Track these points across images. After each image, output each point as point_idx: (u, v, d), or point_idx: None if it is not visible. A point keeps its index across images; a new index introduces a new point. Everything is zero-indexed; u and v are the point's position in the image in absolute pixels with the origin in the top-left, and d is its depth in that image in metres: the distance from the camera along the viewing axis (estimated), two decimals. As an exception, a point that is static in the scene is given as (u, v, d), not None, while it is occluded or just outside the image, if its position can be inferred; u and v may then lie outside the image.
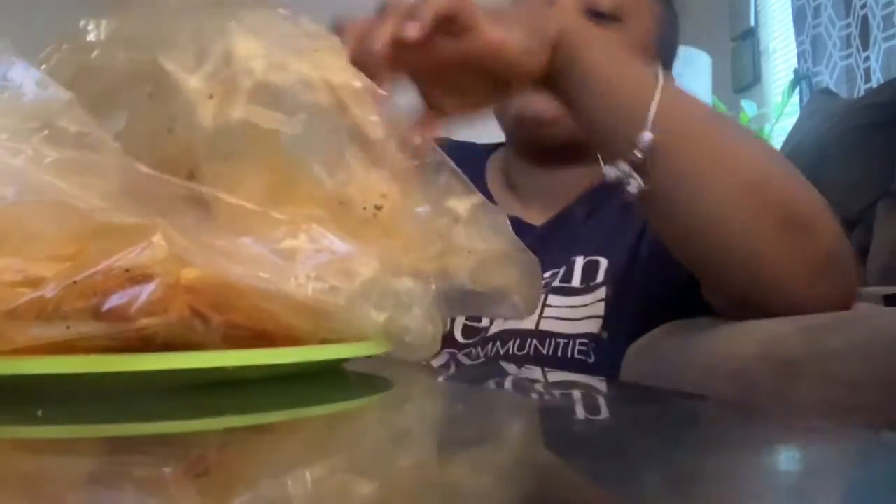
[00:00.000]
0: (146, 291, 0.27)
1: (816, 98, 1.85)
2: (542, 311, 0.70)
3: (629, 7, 0.79)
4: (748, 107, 2.32)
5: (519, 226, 0.57)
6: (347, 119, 0.34)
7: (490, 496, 0.20)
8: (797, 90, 2.18)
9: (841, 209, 1.59)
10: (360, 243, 0.32)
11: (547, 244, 0.54)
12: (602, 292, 0.70)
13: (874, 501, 0.19)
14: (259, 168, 0.33)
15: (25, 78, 0.31)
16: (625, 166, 0.50)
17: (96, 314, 0.27)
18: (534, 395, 0.45)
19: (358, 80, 0.35)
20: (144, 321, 0.27)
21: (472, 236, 0.38)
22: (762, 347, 0.44)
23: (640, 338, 0.60)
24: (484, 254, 0.38)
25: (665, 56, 0.84)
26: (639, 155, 0.49)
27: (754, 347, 0.44)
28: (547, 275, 0.73)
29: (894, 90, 1.49)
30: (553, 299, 0.71)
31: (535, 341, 0.69)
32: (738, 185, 0.50)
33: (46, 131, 0.29)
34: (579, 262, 0.72)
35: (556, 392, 0.45)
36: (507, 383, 0.48)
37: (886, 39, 1.84)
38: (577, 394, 0.44)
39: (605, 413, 0.38)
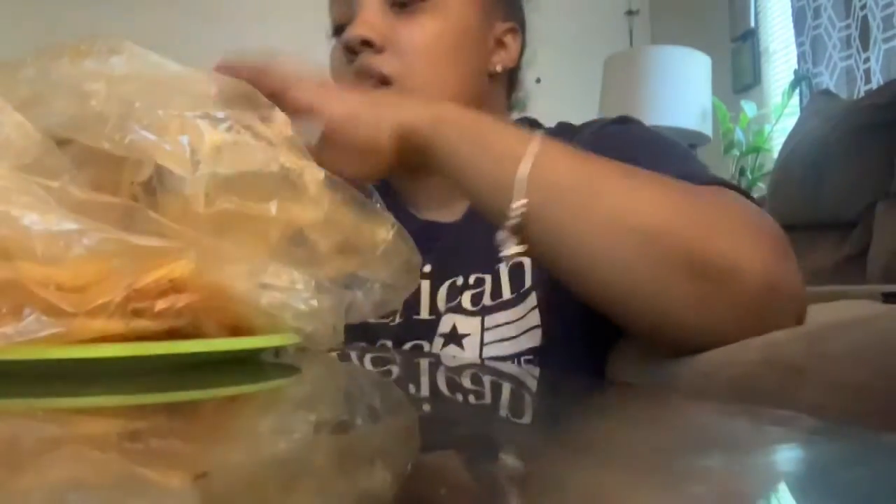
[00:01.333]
0: (183, 299, 0.36)
1: (816, 99, 1.85)
2: (482, 338, 0.67)
3: None
4: (748, 108, 2.32)
5: (436, 228, 0.54)
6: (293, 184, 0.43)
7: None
8: (797, 91, 2.19)
9: (840, 210, 1.60)
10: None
11: (467, 239, 0.53)
12: (533, 299, 0.66)
13: (875, 502, 0.19)
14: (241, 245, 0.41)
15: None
16: (502, 234, 0.49)
17: (148, 314, 0.35)
18: (485, 388, 0.45)
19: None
20: (181, 321, 0.36)
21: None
22: (763, 352, 0.43)
23: (625, 341, 0.59)
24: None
25: (496, 7, 0.77)
26: (514, 223, 0.48)
27: (755, 353, 0.44)
28: (472, 280, 0.69)
29: (894, 91, 1.49)
30: (490, 320, 0.67)
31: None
32: (630, 241, 0.47)
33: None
34: (504, 269, 0.68)
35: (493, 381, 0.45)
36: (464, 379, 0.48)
37: (886, 40, 1.84)
38: (501, 383, 0.44)
39: (600, 412, 0.38)
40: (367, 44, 0.71)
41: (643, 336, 0.54)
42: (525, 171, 0.48)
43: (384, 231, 0.48)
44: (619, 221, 0.48)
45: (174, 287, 0.35)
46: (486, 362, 0.65)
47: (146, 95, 0.39)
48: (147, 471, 0.22)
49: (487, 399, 0.42)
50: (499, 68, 0.78)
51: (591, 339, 0.61)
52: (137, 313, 0.34)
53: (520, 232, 0.49)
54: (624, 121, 0.73)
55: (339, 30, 0.76)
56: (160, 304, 0.35)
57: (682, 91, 2.29)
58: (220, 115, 0.41)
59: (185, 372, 0.39)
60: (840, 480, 0.22)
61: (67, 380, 0.36)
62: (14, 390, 0.35)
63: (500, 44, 0.78)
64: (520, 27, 0.81)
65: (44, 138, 0.37)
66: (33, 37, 2.70)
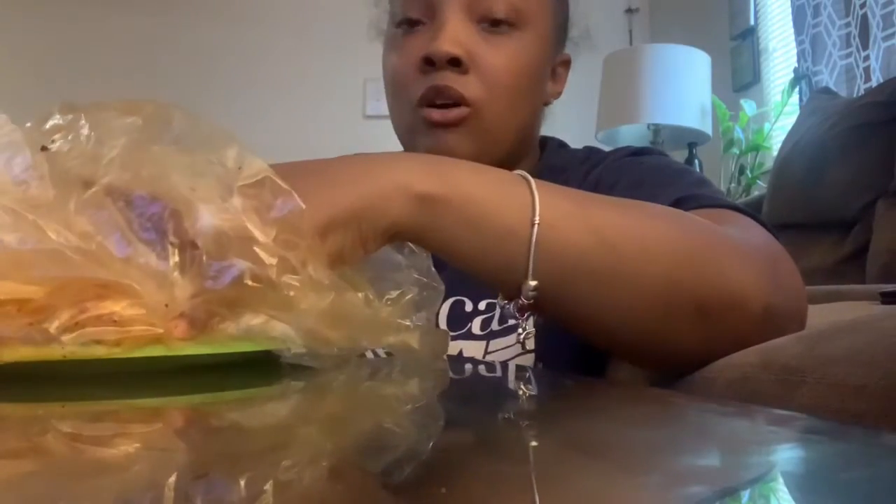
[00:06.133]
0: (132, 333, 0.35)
1: (816, 97, 1.85)
2: (483, 359, 0.67)
3: (527, 12, 0.70)
4: (748, 106, 2.32)
5: None
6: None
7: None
8: (797, 89, 2.19)
9: (840, 208, 1.60)
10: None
11: None
12: (530, 325, 0.65)
13: (874, 502, 0.19)
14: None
15: (22, 167, 0.36)
16: (513, 311, 0.47)
17: (86, 344, 0.34)
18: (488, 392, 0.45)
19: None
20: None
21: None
22: (762, 355, 0.43)
23: None
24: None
25: (559, 38, 0.77)
26: (527, 301, 0.45)
27: (754, 356, 0.44)
28: (482, 306, 0.69)
29: (894, 89, 1.49)
30: (493, 344, 0.67)
31: None
32: (643, 294, 0.46)
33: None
34: None
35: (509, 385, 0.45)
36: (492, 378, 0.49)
37: (886, 39, 1.84)
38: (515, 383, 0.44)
39: (600, 412, 0.38)
40: (453, 62, 0.67)
41: (647, 368, 0.54)
42: (532, 251, 0.44)
43: (407, 339, 0.45)
44: (630, 279, 0.46)
45: (119, 321, 0.35)
46: (487, 363, 0.65)
47: (158, 167, 0.38)
48: (145, 471, 0.22)
49: (487, 399, 0.42)
50: (552, 99, 0.78)
51: (582, 365, 0.62)
52: (73, 340, 0.34)
53: (530, 307, 0.46)
54: (643, 151, 0.74)
55: (408, 23, 0.71)
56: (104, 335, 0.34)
57: (681, 89, 2.29)
58: (229, 204, 0.38)
59: (187, 373, 0.39)
60: (839, 480, 0.22)
61: (57, 382, 0.36)
62: (14, 392, 0.35)
63: (553, 74, 0.78)
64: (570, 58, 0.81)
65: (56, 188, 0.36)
66: (35, 36, 2.70)
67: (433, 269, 0.49)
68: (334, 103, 2.88)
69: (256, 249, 0.37)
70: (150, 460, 0.24)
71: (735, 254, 0.48)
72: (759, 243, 0.51)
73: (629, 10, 3.13)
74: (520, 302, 0.46)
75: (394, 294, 0.46)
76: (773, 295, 0.47)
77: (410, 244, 0.48)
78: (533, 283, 0.44)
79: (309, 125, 2.78)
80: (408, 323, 0.45)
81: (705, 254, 0.47)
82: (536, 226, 0.44)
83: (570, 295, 0.46)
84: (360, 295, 0.42)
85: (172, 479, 0.21)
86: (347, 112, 2.88)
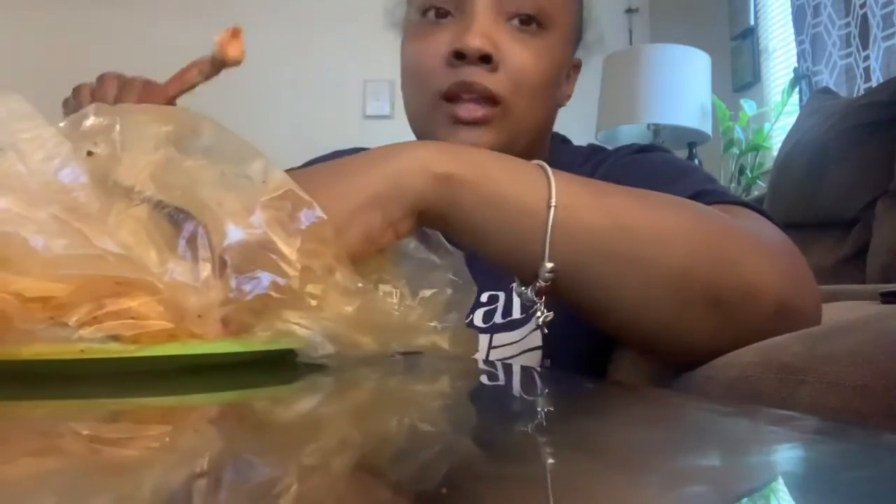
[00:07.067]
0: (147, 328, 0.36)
1: (816, 97, 1.85)
2: (487, 356, 0.67)
3: (554, 13, 0.70)
4: (748, 106, 2.32)
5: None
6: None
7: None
8: (797, 89, 2.18)
9: (840, 208, 1.60)
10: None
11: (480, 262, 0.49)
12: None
13: (875, 502, 0.19)
14: None
15: (71, 177, 0.37)
16: (530, 295, 0.47)
17: (104, 339, 0.35)
18: (499, 392, 0.45)
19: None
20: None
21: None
22: (762, 354, 0.43)
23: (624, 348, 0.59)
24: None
25: (575, 42, 0.78)
26: (544, 283, 0.46)
27: (754, 355, 0.44)
28: (484, 298, 0.69)
29: (894, 89, 1.49)
30: (497, 339, 0.67)
31: None
32: (659, 281, 0.46)
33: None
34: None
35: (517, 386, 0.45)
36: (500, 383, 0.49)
37: (886, 39, 1.84)
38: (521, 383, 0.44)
39: (600, 412, 0.38)
40: (484, 58, 0.66)
41: (655, 358, 0.54)
42: (549, 233, 0.45)
43: (437, 340, 0.46)
44: (646, 264, 0.46)
45: (136, 316, 0.35)
46: (488, 363, 0.65)
47: (189, 182, 0.39)
48: (145, 469, 0.22)
49: (488, 399, 0.42)
50: (565, 102, 0.79)
51: (591, 361, 0.61)
52: (90, 335, 0.34)
53: (548, 289, 0.47)
54: (648, 148, 0.75)
55: (435, 12, 0.70)
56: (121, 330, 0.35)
57: (681, 89, 2.29)
58: (255, 219, 0.38)
59: (208, 371, 0.39)
60: (840, 480, 0.22)
61: (76, 381, 0.36)
62: (31, 391, 0.35)
63: (566, 77, 0.78)
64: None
65: (94, 188, 0.37)
66: (35, 35, 2.70)
67: (466, 269, 0.49)
68: (334, 103, 2.87)
69: (280, 262, 0.38)
70: (169, 460, 0.24)
71: (751, 247, 0.48)
72: (774, 239, 0.52)
73: (629, 10, 3.12)
74: (537, 285, 0.46)
75: (428, 293, 0.46)
76: (788, 289, 0.48)
77: (445, 244, 0.49)
78: (549, 264, 0.45)
79: (309, 125, 2.78)
80: (436, 324, 0.46)
81: (721, 244, 0.48)
82: (553, 208, 0.45)
83: (585, 278, 0.47)
84: (393, 291, 0.43)
85: (191, 477, 0.21)
86: (347, 112, 2.87)
